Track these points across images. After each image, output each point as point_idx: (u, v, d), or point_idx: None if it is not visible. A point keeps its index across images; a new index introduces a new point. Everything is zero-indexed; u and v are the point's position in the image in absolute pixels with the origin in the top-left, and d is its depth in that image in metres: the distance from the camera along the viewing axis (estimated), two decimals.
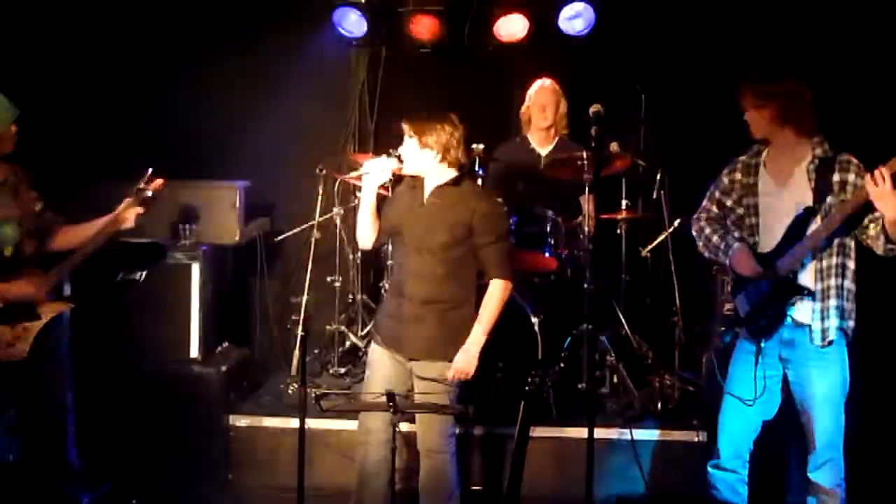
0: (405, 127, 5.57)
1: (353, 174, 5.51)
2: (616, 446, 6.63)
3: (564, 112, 7.78)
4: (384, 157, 5.59)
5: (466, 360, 5.53)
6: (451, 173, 5.59)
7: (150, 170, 5.97)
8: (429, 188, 5.62)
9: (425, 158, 5.54)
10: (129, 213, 5.87)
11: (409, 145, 5.55)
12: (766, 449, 5.62)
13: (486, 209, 5.59)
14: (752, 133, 5.36)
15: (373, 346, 5.78)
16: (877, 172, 4.90)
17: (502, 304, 5.61)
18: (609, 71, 8.15)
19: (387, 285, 5.83)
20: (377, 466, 5.64)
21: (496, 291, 5.59)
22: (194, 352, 7.11)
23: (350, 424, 5.87)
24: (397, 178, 5.73)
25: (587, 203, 7.27)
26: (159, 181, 5.95)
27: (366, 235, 5.67)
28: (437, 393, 5.46)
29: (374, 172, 5.56)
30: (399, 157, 5.57)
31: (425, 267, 5.56)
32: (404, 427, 5.75)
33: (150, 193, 5.97)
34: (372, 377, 5.69)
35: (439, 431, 5.61)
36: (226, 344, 7.50)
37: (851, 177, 5.17)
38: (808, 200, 5.21)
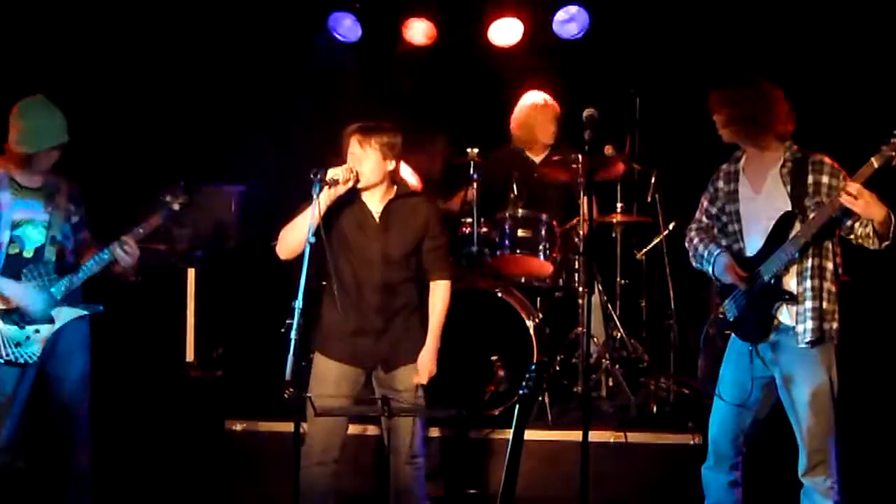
0: (366, 139, 5.46)
1: (326, 178, 5.32)
2: (611, 449, 6.63)
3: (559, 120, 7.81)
4: (346, 166, 5.41)
5: (432, 361, 5.63)
6: (390, 186, 5.60)
7: (183, 182, 5.95)
8: (378, 202, 5.58)
9: (383, 170, 5.52)
10: (125, 259, 5.77)
11: (370, 158, 5.46)
12: (759, 450, 5.63)
13: (437, 214, 5.72)
14: (724, 138, 5.41)
15: (321, 359, 5.67)
16: (850, 190, 4.95)
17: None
18: (603, 74, 8.17)
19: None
20: (318, 470, 5.60)
21: (446, 292, 5.71)
22: (190, 356, 7.12)
23: (351, 429, 5.89)
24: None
25: (583, 207, 7.28)
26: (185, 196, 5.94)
27: (299, 243, 5.26)
28: (414, 397, 5.58)
29: (341, 180, 5.35)
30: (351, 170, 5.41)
31: (391, 278, 5.57)
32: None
33: (176, 207, 5.95)
34: (328, 390, 5.56)
35: (420, 437, 5.66)
36: (222, 349, 7.52)
37: (825, 178, 5.20)
38: (785, 204, 5.25)
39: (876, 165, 4.93)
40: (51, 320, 5.70)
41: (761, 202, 5.34)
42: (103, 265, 5.79)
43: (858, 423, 5.95)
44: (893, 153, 4.89)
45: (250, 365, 7.68)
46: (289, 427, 5.38)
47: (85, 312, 5.84)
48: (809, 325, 5.20)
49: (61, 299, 5.72)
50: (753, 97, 5.28)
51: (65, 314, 5.76)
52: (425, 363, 5.62)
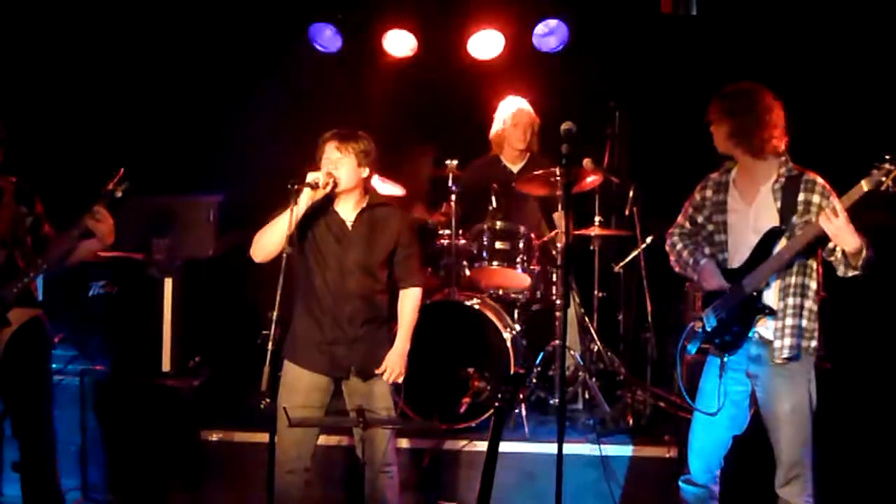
0: (343, 145, 5.51)
1: (306, 181, 5.36)
2: (587, 462, 6.63)
3: (537, 131, 7.81)
4: (324, 170, 5.46)
5: (400, 363, 5.66)
6: (363, 194, 5.64)
7: (122, 169, 5.91)
8: (351, 211, 5.62)
9: (358, 177, 5.56)
10: (100, 227, 5.80)
11: (346, 163, 5.50)
12: (736, 464, 5.64)
13: (408, 223, 5.80)
14: (720, 148, 5.41)
15: (293, 369, 5.68)
16: (828, 210, 4.98)
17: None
18: (583, 87, 8.19)
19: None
20: (289, 479, 5.62)
21: (417, 298, 5.78)
22: (166, 366, 7.09)
23: (322, 440, 5.90)
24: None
25: (561, 220, 7.29)
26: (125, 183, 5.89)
27: (275, 245, 5.33)
28: (386, 407, 5.64)
29: (320, 184, 5.40)
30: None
31: (365, 286, 5.61)
32: None
33: (119, 195, 5.90)
34: (298, 399, 5.58)
35: (391, 447, 5.69)
36: (198, 358, 7.49)
37: (816, 198, 5.21)
38: (774, 219, 5.26)
39: (865, 189, 4.93)
40: (7, 323, 5.68)
41: (750, 216, 5.35)
42: (62, 254, 5.76)
43: (835, 439, 5.96)
44: (884, 178, 4.89)
45: (226, 375, 7.66)
46: (264, 437, 5.38)
47: (39, 311, 5.81)
48: (788, 342, 5.22)
49: (13, 300, 5.69)
50: (756, 109, 5.28)
51: (19, 315, 5.72)
52: (393, 363, 5.64)
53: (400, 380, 5.69)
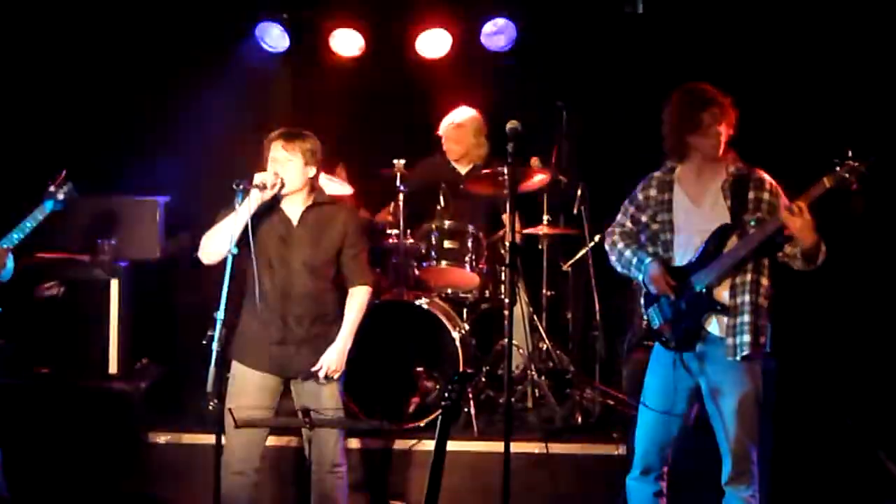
0: (290, 144, 5.50)
1: (253, 183, 5.34)
2: (535, 460, 6.64)
3: (483, 143, 7.84)
4: (271, 171, 5.45)
5: (339, 359, 5.59)
6: (309, 193, 5.62)
7: (64, 171, 5.87)
8: (297, 209, 5.59)
9: (305, 176, 5.55)
10: None
11: (293, 163, 5.49)
12: (683, 460, 5.67)
13: (354, 221, 5.75)
14: (720, 151, 5.32)
15: (240, 369, 5.62)
16: (794, 206, 4.99)
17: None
18: (531, 86, 8.20)
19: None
20: (238, 480, 5.58)
21: (364, 297, 5.71)
22: (113, 368, 7.05)
23: (272, 441, 5.87)
24: None
25: (509, 219, 7.31)
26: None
27: (224, 248, 5.23)
28: (334, 408, 5.58)
29: (268, 185, 5.38)
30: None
31: (312, 286, 5.58)
32: None
33: (61, 196, 5.87)
34: (246, 400, 5.52)
35: (341, 446, 5.68)
36: (145, 360, 7.45)
37: (766, 195, 5.24)
38: (724, 217, 5.27)
39: (828, 185, 4.95)
40: None
41: (700, 214, 5.34)
42: None
43: (779, 434, 6.01)
44: (848, 175, 4.93)
45: (174, 376, 7.62)
46: (212, 439, 5.36)
47: None
48: (742, 339, 5.22)
49: None
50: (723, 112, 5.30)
51: None
52: (331, 358, 5.57)
53: (336, 376, 5.61)
